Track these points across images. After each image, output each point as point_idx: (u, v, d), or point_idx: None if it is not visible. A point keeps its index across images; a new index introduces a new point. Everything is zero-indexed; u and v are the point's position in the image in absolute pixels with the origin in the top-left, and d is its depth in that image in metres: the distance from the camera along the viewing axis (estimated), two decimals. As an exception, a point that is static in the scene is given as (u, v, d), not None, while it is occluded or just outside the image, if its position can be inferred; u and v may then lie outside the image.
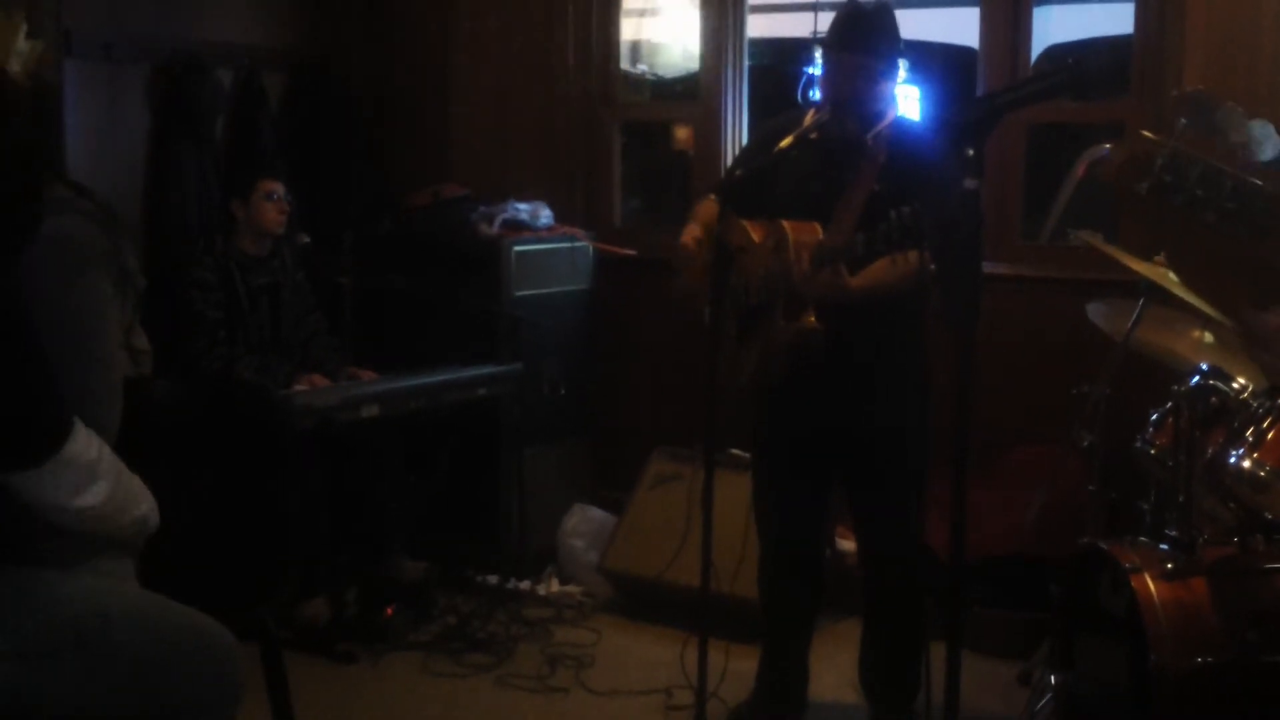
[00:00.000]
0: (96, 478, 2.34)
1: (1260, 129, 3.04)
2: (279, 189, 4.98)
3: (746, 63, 5.75)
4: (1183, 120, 2.86)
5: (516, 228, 5.49)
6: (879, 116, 3.60)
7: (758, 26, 6.49)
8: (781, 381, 3.63)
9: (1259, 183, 2.44)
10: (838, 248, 3.36)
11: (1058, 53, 6.07)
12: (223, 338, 4.83)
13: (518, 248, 5.37)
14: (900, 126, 3.64)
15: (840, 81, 3.56)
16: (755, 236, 3.66)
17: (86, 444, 2.32)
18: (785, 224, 3.51)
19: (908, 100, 5.37)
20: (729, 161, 5.62)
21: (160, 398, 2.97)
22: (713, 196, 3.88)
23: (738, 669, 4.03)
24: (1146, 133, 2.43)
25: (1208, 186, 2.43)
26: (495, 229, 5.44)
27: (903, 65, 3.66)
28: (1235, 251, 3.62)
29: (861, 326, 3.56)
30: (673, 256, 3.74)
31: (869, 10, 3.60)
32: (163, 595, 2.52)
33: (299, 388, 4.73)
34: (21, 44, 4.45)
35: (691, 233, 3.71)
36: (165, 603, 2.49)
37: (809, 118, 3.63)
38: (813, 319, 3.45)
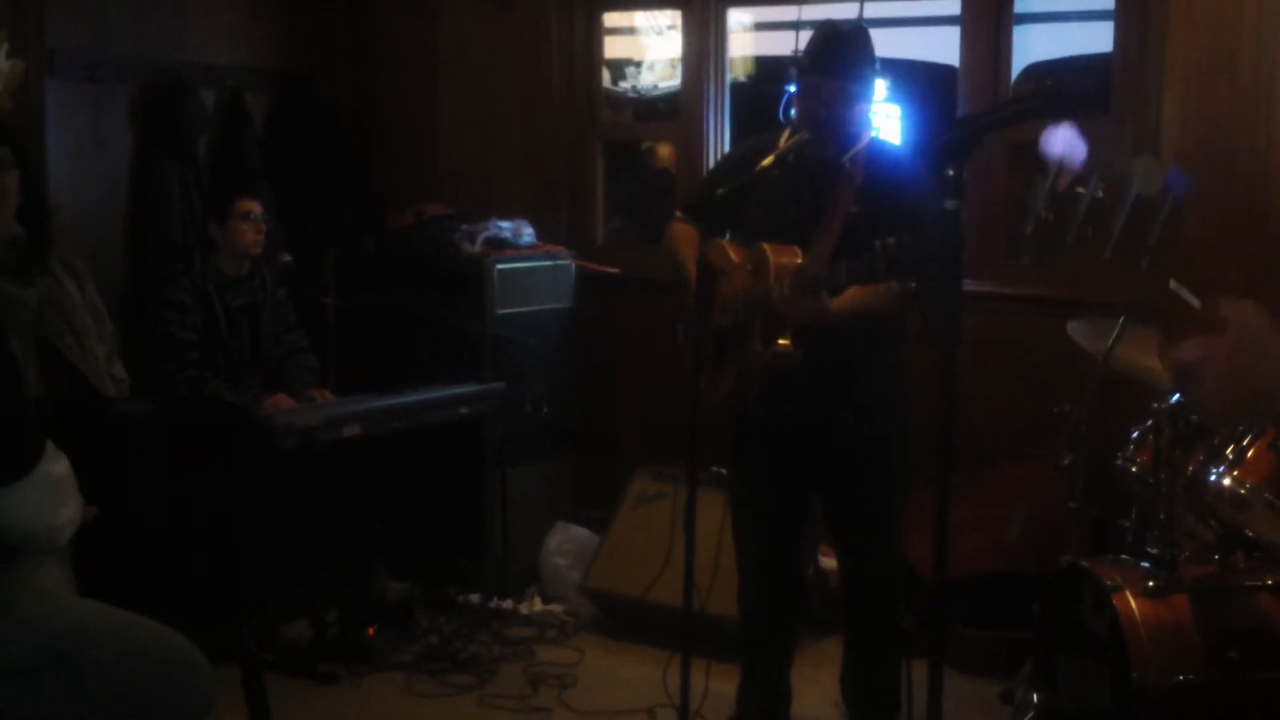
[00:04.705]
0: (68, 495, 2.35)
1: (1141, 164, 3.05)
2: (256, 209, 4.96)
3: (728, 81, 5.77)
4: (1057, 157, 2.87)
5: (499, 246, 5.49)
6: (855, 139, 3.59)
7: (739, 45, 6.52)
8: (757, 397, 3.64)
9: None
10: (820, 275, 3.36)
11: (1037, 72, 6.11)
12: (194, 359, 4.81)
13: (500, 266, 5.38)
14: (876, 148, 3.65)
15: (815, 104, 3.54)
16: (734, 257, 3.67)
17: (57, 459, 2.33)
18: (765, 246, 3.52)
19: (888, 119, 5.40)
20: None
21: (132, 418, 2.97)
22: (680, 214, 3.89)
23: (721, 688, 4.02)
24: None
25: (1097, 223, 2.45)
26: (477, 247, 5.44)
27: (880, 86, 3.66)
28: (1140, 282, 3.60)
29: (838, 347, 3.57)
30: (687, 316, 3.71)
31: (844, 32, 3.60)
32: (140, 613, 2.52)
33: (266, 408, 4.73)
34: (2, 63, 4.45)
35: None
36: (132, 618, 2.50)
37: (785, 137, 3.63)
38: (789, 343, 3.45)
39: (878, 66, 3.61)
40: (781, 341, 3.45)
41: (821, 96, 3.53)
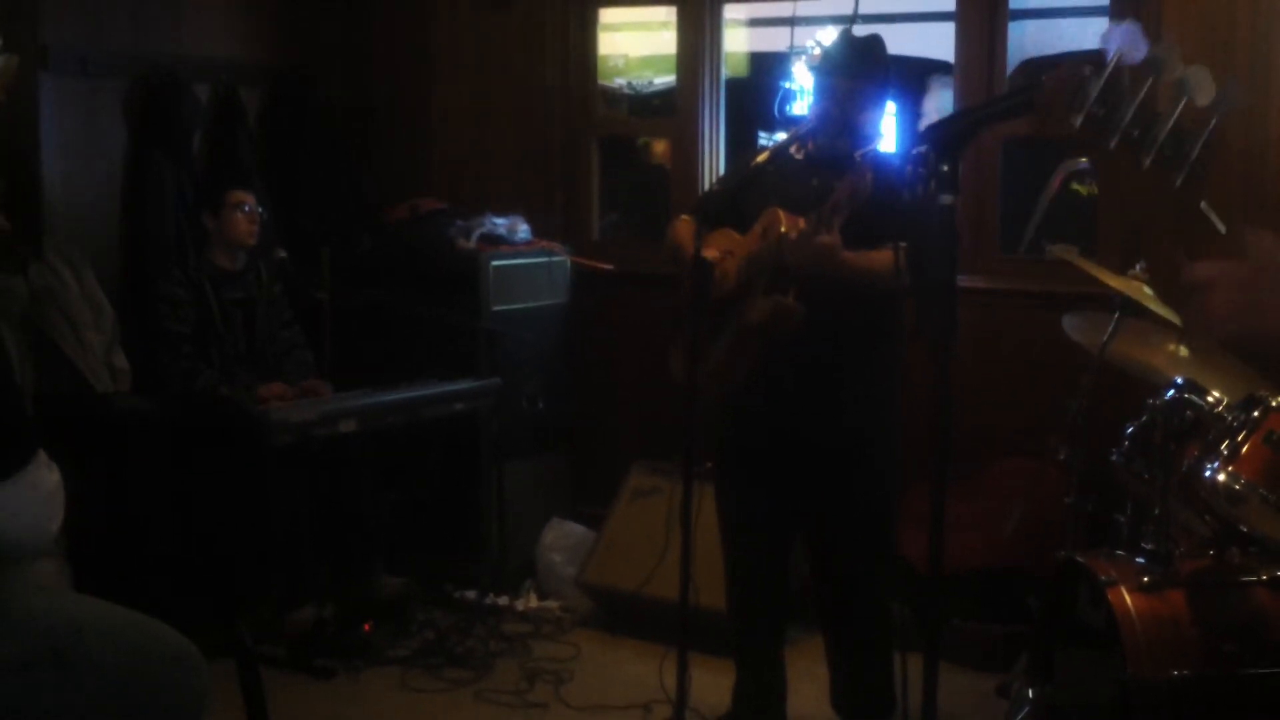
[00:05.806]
0: (58, 507, 2.35)
1: (1196, 73, 3.02)
2: (249, 200, 4.97)
3: (724, 76, 5.76)
4: (1117, 50, 2.82)
5: (494, 242, 5.49)
6: (867, 140, 3.67)
7: (734, 41, 6.51)
8: (747, 382, 3.63)
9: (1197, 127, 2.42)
10: (842, 196, 3.40)
11: (1033, 68, 6.10)
12: (188, 352, 4.81)
13: (495, 262, 5.38)
14: (880, 157, 3.67)
15: (830, 104, 3.67)
16: (738, 238, 3.69)
17: (51, 469, 2.32)
18: (778, 210, 3.56)
19: (885, 115, 5.40)
20: (706, 174, 5.64)
21: (130, 414, 2.98)
22: (687, 218, 3.90)
23: (717, 683, 4.03)
24: (1086, 66, 2.42)
25: (1143, 128, 2.41)
26: (473, 243, 5.44)
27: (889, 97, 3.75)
28: (1172, 200, 3.58)
29: (834, 342, 3.57)
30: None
31: (860, 38, 3.75)
32: (136, 608, 2.52)
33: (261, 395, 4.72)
34: (-3, 60, 4.44)
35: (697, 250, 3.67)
36: (128, 613, 2.50)
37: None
38: (792, 299, 3.46)
39: (891, 77, 3.73)
40: (787, 297, 3.47)
41: (836, 96, 3.66)
